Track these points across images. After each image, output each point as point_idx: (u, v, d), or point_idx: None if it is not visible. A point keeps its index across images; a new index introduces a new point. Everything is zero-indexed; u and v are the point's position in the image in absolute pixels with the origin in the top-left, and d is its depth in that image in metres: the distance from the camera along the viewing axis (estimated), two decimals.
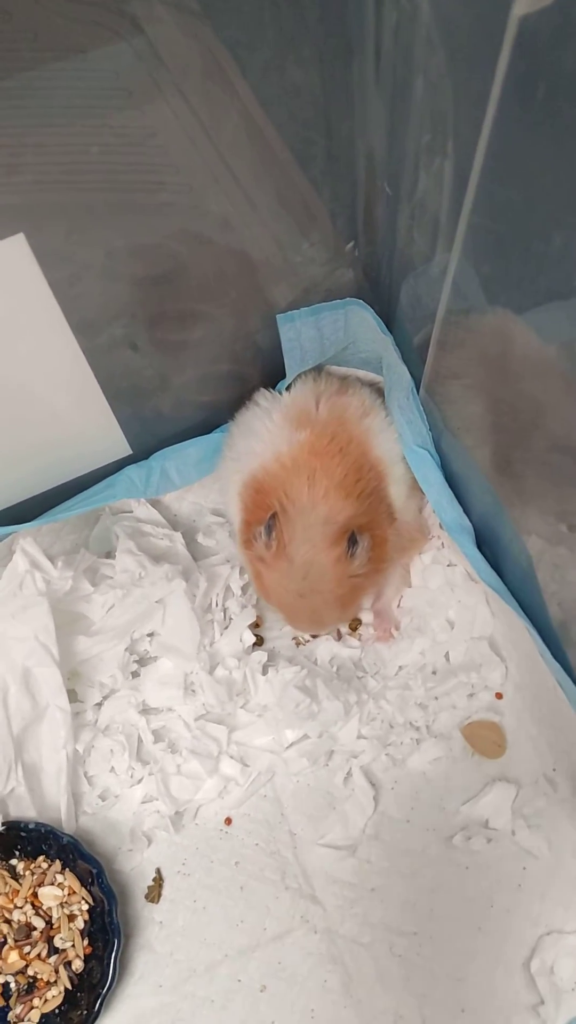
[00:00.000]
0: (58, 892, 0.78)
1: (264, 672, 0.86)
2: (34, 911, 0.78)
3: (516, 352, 0.64)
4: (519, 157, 0.49)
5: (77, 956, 0.76)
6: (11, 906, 0.78)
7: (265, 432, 0.82)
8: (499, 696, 0.86)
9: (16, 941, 0.77)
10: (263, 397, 0.87)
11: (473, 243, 0.60)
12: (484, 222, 0.57)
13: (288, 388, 0.88)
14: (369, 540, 0.76)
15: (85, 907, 0.77)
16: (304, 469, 0.77)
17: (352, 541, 0.75)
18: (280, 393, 0.87)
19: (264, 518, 0.77)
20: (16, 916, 0.78)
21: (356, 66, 0.63)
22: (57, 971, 0.76)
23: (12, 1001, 0.76)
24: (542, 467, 0.69)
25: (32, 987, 0.76)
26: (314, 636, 0.90)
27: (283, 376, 0.89)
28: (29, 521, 0.86)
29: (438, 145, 0.59)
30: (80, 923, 0.77)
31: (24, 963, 0.76)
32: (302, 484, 0.76)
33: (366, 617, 0.91)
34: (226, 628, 0.88)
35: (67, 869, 0.79)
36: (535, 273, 0.54)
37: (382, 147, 0.68)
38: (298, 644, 0.90)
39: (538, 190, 0.49)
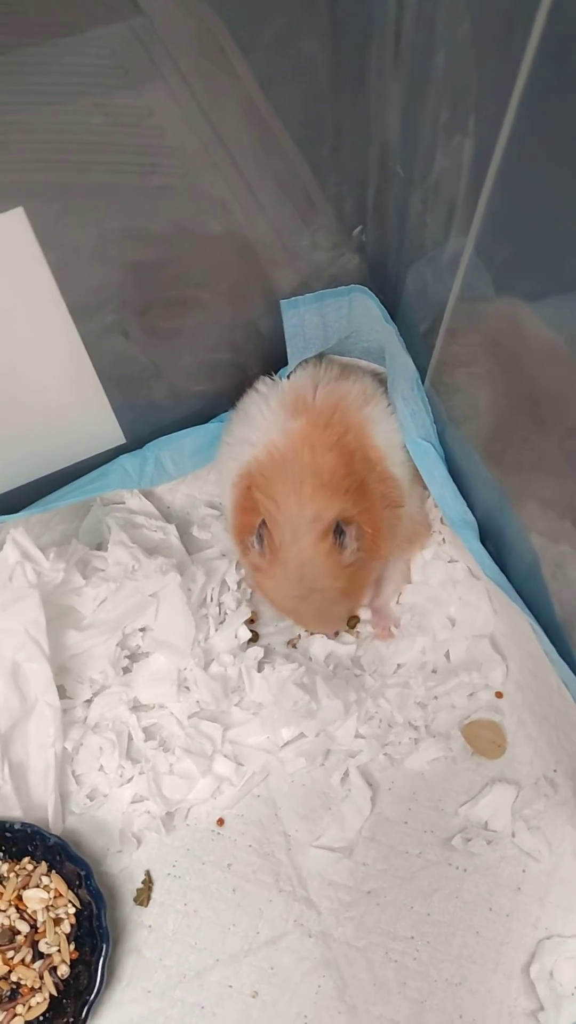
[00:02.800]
0: (44, 895, 0.75)
1: (260, 669, 0.84)
2: (18, 914, 0.75)
3: (529, 340, 0.62)
4: (550, 133, 0.47)
5: (63, 961, 0.74)
6: None
7: (261, 419, 0.81)
8: (499, 695, 0.85)
9: None
10: (262, 384, 0.85)
11: (492, 227, 0.58)
12: (505, 204, 0.55)
13: (288, 376, 0.86)
14: (356, 528, 0.75)
15: (72, 910, 0.75)
16: (294, 468, 0.75)
17: (339, 531, 0.74)
18: (280, 380, 0.85)
19: (254, 519, 0.76)
20: None
21: (374, 39, 0.60)
22: (42, 977, 0.73)
23: None
24: (551, 459, 0.68)
25: (16, 993, 0.73)
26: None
27: (283, 365, 0.87)
28: (19, 511, 0.83)
29: (459, 123, 0.57)
30: (66, 927, 0.75)
31: (7, 968, 0.74)
32: (290, 488, 0.75)
33: (365, 614, 0.89)
34: (221, 623, 0.86)
35: (53, 871, 0.76)
36: (560, 259, 0.52)
37: (396, 126, 0.66)
38: (293, 646, 0.88)
39: (570, 170, 0.47)
